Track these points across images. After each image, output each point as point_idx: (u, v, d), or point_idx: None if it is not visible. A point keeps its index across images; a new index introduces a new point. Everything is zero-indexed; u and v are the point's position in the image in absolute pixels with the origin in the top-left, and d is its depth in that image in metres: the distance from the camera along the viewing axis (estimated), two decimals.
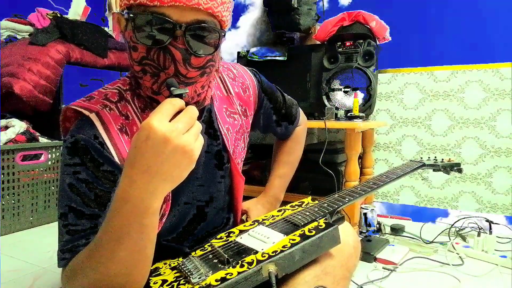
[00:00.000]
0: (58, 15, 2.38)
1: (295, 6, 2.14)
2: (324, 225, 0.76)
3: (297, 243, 0.71)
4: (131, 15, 0.64)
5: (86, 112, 0.69)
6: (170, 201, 0.76)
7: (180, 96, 0.59)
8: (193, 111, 0.56)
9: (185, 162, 0.54)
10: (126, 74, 0.79)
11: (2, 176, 1.94)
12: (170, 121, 0.53)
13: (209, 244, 0.80)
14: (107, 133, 0.69)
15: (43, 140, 2.16)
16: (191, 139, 0.54)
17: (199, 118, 0.80)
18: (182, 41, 0.63)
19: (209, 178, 0.84)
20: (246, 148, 0.95)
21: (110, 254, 0.57)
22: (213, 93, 0.84)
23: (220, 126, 0.84)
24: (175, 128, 0.52)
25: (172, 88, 0.60)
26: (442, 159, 1.45)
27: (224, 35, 0.69)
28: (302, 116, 1.15)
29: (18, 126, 2.06)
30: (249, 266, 0.66)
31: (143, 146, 0.52)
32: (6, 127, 2.05)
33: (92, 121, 0.68)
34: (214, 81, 0.84)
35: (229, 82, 0.89)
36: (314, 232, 0.74)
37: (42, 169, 2.12)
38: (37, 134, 2.16)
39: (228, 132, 0.86)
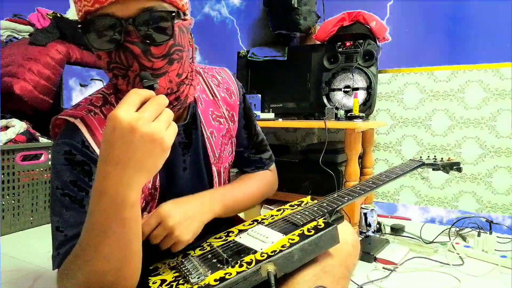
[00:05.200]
0: (58, 15, 2.38)
1: (295, 6, 2.14)
2: (323, 225, 0.76)
3: (296, 243, 0.70)
4: (80, 26, 0.63)
5: (71, 119, 0.70)
6: (157, 199, 0.77)
7: (151, 88, 0.59)
8: (161, 99, 0.55)
9: (156, 150, 0.53)
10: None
11: (2, 176, 1.94)
12: (137, 111, 0.53)
13: (208, 243, 0.80)
14: (93, 136, 0.69)
15: (43, 140, 2.17)
16: (160, 127, 0.53)
17: (184, 120, 0.80)
18: (135, 35, 0.61)
19: (194, 179, 0.83)
20: (233, 153, 0.93)
21: (94, 251, 0.56)
22: (198, 96, 0.84)
23: (203, 129, 0.83)
24: (141, 116, 0.52)
25: (143, 80, 0.60)
26: (442, 158, 1.45)
27: (179, 15, 0.67)
28: (274, 167, 1.04)
29: (18, 126, 2.06)
30: (248, 266, 0.66)
31: (111, 138, 0.52)
32: (6, 127, 2.05)
33: (77, 126, 0.69)
34: (197, 80, 0.82)
35: (214, 87, 0.89)
36: (313, 231, 0.74)
37: (42, 169, 2.12)
38: (37, 134, 2.16)
39: (212, 136, 0.85)
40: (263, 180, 0.97)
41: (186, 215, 0.73)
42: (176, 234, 0.71)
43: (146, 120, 0.52)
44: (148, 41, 0.63)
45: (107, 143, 0.52)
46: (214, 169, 0.86)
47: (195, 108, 0.83)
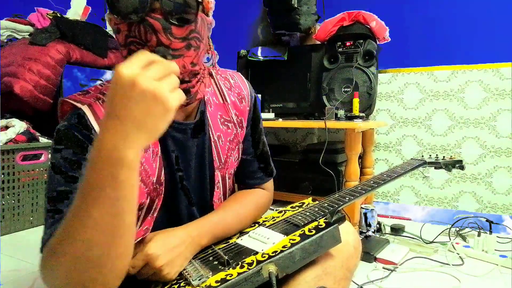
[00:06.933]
0: (58, 15, 2.38)
1: (295, 6, 2.14)
2: (324, 225, 0.76)
3: (297, 243, 0.70)
4: None
5: (79, 105, 0.70)
6: (162, 194, 0.76)
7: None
8: (170, 64, 0.54)
9: (158, 109, 0.51)
10: None
11: (2, 176, 1.94)
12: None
13: (209, 246, 0.80)
14: (98, 123, 0.69)
15: (43, 140, 2.16)
16: (163, 86, 0.51)
17: (193, 118, 0.80)
18: (159, 12, 0.64)
19: (196, 181, 0.83)
20: (240, 158, 0.92)
21: (85, 216, 0.53)
22: (208, 99, 0.84)
23: (211, 133, 0.83)
24: (143, 73, 0.50)
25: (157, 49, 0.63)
26: (444, 157, 1.45)
27: (203, 8, 0.70)
28: (272, 184, 1.00)
29: (18, 126, 2.06)
30: (249, 267, 0.66)
31: (112, 92, 0.51)
32: (6, 127, 2.05)
33: (84, 112, 0.69)
34: (208, 81, 0.82)
35: (226, 90, 0.88)
36: (314, 231, 0.74)
37: (42, 169, 2.12)
38: (37, 134, 2.16)
39: (219, 140, 0.84)
40: (258, 203, 0.92)
41: (173, 254, 0.70)
42: (164, 274, 0.68)
43: (149, 77, 0.50)
44: (170, 20, 0.65)
45: (109, 98, 0.52)
46: (218, 174, 0.85)
47: (205, 110, 0.82)
